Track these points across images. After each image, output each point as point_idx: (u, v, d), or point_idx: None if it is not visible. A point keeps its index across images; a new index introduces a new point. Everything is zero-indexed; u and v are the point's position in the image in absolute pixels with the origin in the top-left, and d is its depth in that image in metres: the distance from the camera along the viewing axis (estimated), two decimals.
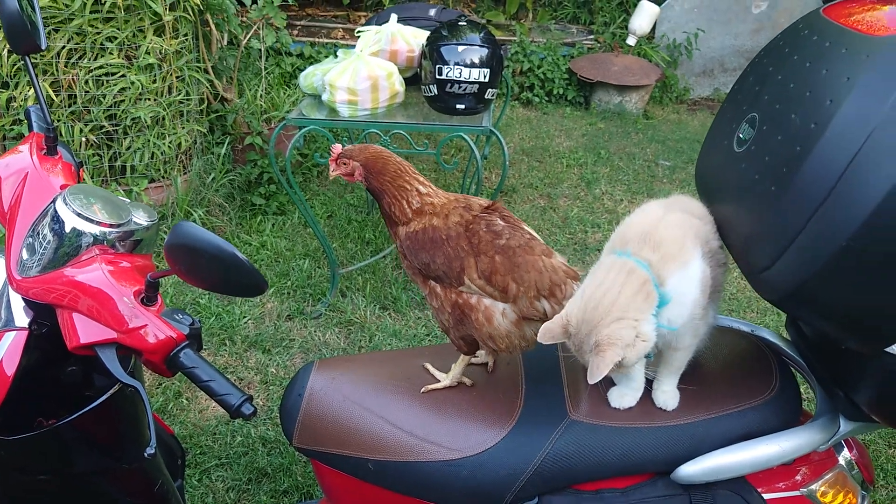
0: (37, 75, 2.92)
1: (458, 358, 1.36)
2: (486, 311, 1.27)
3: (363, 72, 2.67)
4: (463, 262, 1.27)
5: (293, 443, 1.33)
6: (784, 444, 1.16)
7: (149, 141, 3.18)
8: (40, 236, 1.15)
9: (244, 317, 2.95)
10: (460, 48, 2.63)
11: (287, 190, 2.87)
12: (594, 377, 1.06)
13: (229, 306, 2.99)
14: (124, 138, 3.16)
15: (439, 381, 1.35)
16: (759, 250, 1.04)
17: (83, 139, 3.06)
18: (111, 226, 1.16)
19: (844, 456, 1.28)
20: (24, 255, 1.16)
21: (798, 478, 1.24)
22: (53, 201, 1.16)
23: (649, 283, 1.10)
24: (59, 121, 3.00)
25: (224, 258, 0.95)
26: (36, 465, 1.26)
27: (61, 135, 3.01)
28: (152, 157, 3.24)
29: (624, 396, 1.23)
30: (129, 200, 1.25)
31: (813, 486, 1.23)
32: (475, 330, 1.29)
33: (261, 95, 3.90)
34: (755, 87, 1.16)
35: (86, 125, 3.07)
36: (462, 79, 2.63)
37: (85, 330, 1.11)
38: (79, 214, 1.14)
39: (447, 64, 2.63)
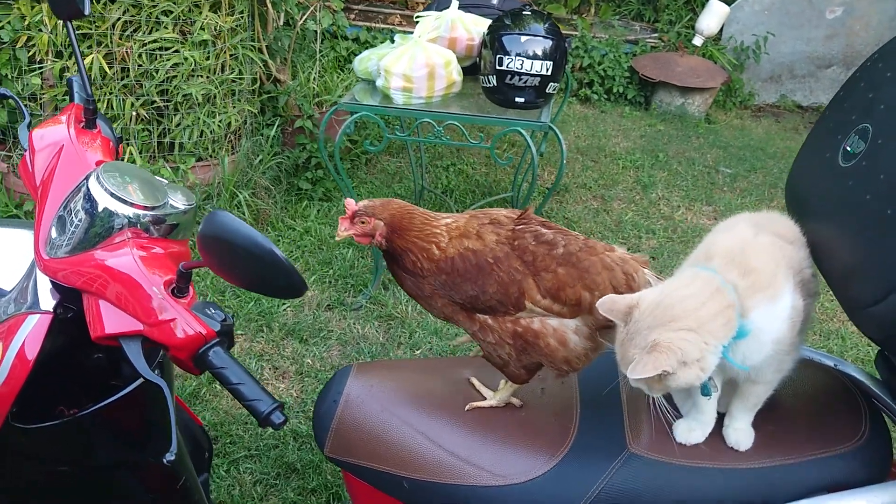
0: (90, 46, 2.89)
1: None
2: (555, 333, 1.15)
3: (420, 58, 2.57)
4: (521, 286, 1.13)
5: (325, 451, 1.24)
6: (874, 499, 1.03)
7: (199, 119, 3.13)
8: (71, 215, 1.08)
9: (283, 304, 2.88)
10: (523, 38, 2.51)
11: (334, 176, 2.79)
12: (635, 373, 0.95)
13: None
14: (174, 115, 3.11)
15: (486, 398, 1.24)
16: (867, 281, 0.91)
17: (133, 113, 3.01)
18: (146, 208, 1.08)
19: None
20: (54, 234, 1.09)
21: None
22: (87, 178, 1.08)
23: (732, 310, 0.98)
24: (111, 93, 2.97)
25: (261, 255, 0.85)
26: (55, 456, 1.19)
27: (112, 108, 2.97)
28: (201, 136, 3.18)
29: (691, 431, 1.11)
30: (166, 181, 1.17)
31: None
32: (545, 356, 1.16)
33: (314, 78, 3.82)
34: (867, 95, 1.02)
35: (137, 99, 3.03)
36: (523, 71, 2.51)
37: (111, 319, 1.03)
38: (112, 194, 1.06)
39: (508, 54, 2.51)
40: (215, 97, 3.15)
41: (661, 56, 5.23)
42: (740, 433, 1.10)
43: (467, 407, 1.22)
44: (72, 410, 1.19)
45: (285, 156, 3.63)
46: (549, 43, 2.53)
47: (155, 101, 3.05)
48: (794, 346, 1.05)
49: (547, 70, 2.52)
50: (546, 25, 2.58)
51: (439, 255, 1.14)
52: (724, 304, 0.98)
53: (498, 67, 2.53)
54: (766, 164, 4.52)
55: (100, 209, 1.06)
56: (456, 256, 1.14)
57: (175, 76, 3.02)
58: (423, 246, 1.15)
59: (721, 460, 1.08)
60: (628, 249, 3.66)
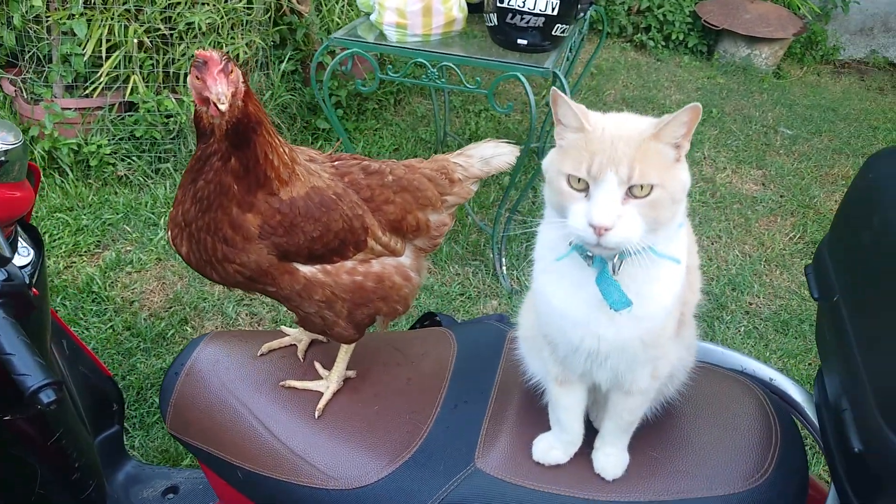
0: None
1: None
2: (398, 269, 1.07)
3: None
4: (364, 221, 1.04)
5: (167, 426, 1.12)
6: None
7: (203, 49, 3.00)
8: None
9: None
10: None
11: (328, 116, 2.62)
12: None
13: None
14: (179, 44, 2.99)
15: (322, 377, 1.11)
16: None
17: (135, 41, 2.91)
18: None
19: None
20: None
21: None
22: None
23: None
24: (111, 19, 2.87)
25: None
26: None
27: (114, 34, 2.87)
28: None
29: (551, 449, 0.92)
30: None
31: None
32: (386, 301, 1.07)
33: (339, 12, 3.63)
34: None
35: (141, 26, 2.92)
36: (525, 9, 2.26)
37: None
38: None
39: None
40: (221, 27, 3.02)
41: (729, 1, 4.77)
42: (610, 458, 0.90)
43: (284, 383, 1.09)
44: None
45: (302, 92, 3.48)
46: None
47: (159, 29, 2.94)
48: (678, 325, 0.84)
49: (553, 9, 2.26)
50: None
51: (291, 165, 1.00)
52: None
53: (499, 4, 2.29)
54: (834, 127, 4.09)
55: None
56: (304, 196, 1.00)
57: (179, 2, 2.90)
58: (272, 130, 0.98)
59: (582, 488, 0.89)
60: None
